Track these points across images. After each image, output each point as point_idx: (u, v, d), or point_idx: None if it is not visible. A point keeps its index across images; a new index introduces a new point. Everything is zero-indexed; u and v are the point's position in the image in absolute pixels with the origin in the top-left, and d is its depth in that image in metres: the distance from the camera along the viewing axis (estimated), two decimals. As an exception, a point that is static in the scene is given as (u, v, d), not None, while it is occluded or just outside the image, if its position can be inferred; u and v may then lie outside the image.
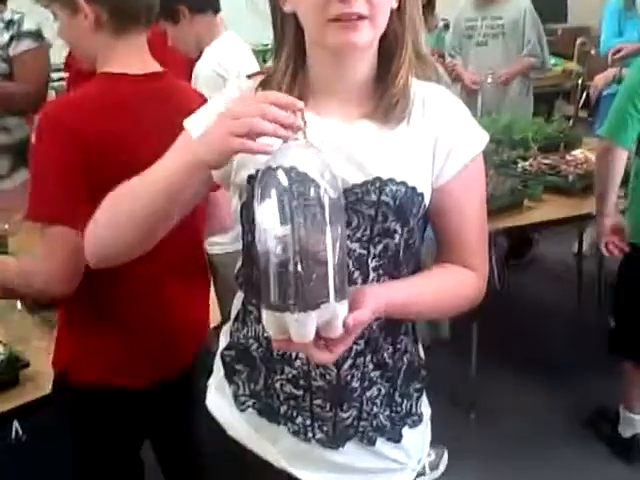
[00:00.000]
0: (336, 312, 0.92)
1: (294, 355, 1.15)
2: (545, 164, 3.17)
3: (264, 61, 3.91)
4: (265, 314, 0.93)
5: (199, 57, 2.53)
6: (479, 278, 1.20)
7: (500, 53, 4.10)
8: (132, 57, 1.51)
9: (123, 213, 1.10)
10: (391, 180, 1.08)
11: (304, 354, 1.06)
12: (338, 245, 0.91)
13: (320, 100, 1.12)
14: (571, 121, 5.29)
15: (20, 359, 1.67)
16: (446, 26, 4.55)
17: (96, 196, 1.20)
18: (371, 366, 1.17)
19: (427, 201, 1.14)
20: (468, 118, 1.17)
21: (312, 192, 0.89)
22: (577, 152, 3.31)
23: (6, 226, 2.20)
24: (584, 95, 5.57)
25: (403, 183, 1.09)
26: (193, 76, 2.46)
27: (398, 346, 1.20)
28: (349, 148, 1.09)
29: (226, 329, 1.29)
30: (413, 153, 1.12)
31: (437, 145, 1.13)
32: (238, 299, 1.25)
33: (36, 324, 1.88)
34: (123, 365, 1.53)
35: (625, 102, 2.32)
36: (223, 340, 1.29)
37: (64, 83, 3.65)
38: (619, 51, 3.61)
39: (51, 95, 3.37)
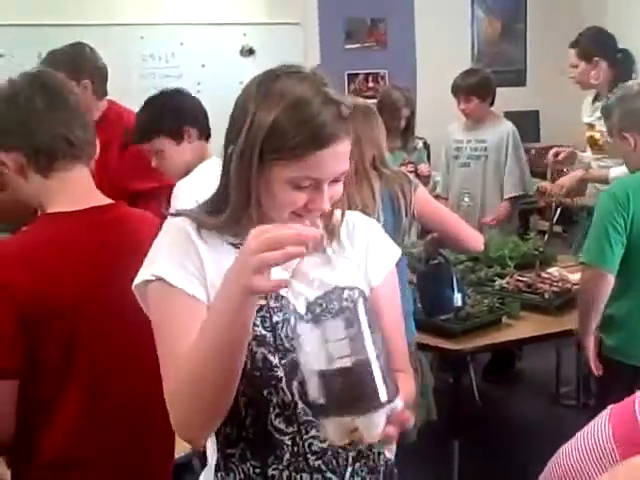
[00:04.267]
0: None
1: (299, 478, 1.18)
2: (521, 282, 3.23)
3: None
4: (329, 423, 0.99)
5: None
6: (411, 377, 1.32)
7: (480, 174, 4.21)
8: (69, 194, 1.48)
9: (204, 379, 1.06)
10: (347, 287, 1.21)
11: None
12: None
13: None
14: (546, 236, 5.44)
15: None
16: (425, 144, 4.70)
17: (37, 348, 1.30)
18: (366, 470, 1.24)
19: None
20: (383, 234, 1.39)
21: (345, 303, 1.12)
22: (552, 270, 3.37)
23: None
24: (558, 212, 5.75)
25: (356, 288, 1.23)
26: (174, 194, 2.45)
27: (373, 449, 1.26)
28: (304, 269, 1.17)
29: None
30: (351, 264, 1.28)
31: (367, 255, 1.30)
32: (212, 446, 1.23)
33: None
34: None
35: (604, 228, 2.34)
36: None
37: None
38: (558, 154, 3.73)
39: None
